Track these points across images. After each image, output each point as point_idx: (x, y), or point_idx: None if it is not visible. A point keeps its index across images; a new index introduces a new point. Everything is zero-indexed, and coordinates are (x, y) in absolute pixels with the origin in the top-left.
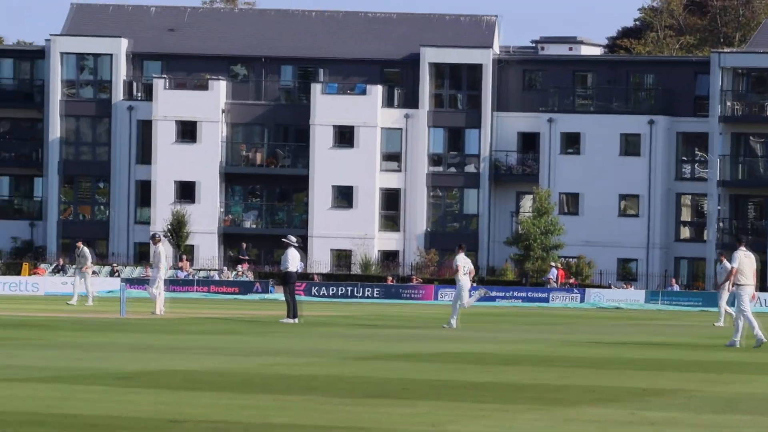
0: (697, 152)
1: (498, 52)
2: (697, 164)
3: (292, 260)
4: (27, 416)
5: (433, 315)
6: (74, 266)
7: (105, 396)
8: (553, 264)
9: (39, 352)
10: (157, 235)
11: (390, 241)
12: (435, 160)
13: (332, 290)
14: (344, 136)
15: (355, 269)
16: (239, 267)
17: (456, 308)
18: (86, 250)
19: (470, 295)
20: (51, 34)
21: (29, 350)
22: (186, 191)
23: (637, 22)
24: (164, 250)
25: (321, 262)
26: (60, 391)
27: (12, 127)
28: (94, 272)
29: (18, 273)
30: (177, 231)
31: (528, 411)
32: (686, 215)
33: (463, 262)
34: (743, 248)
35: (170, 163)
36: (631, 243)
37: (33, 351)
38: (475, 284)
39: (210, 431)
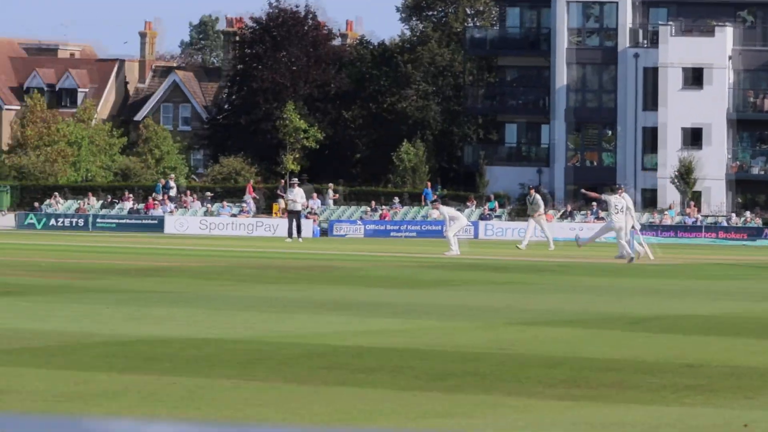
0: None
1: None
2: None
3: None
4: (544, 360)
5: None
6: (528, 213)
7: (617, 339)
8: None
9: (552, 295)
10: (620, 185)
11: None
12: None
13: None
14: None
15: None
16: (747, 213)
17: (622, 244)
18: (538, 197)
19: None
20: None
21: (543, 294)
22: (693, 137)
23: None
24: (614, 200)
25: None
26: (573, 335)
27: (519, 74)
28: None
29: None
30: (685, 177)
31: None
32: None
33: (615, 201)
34: None
35: (677, 109)
36: None
37: (546, 295)
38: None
39: (726, 376)
